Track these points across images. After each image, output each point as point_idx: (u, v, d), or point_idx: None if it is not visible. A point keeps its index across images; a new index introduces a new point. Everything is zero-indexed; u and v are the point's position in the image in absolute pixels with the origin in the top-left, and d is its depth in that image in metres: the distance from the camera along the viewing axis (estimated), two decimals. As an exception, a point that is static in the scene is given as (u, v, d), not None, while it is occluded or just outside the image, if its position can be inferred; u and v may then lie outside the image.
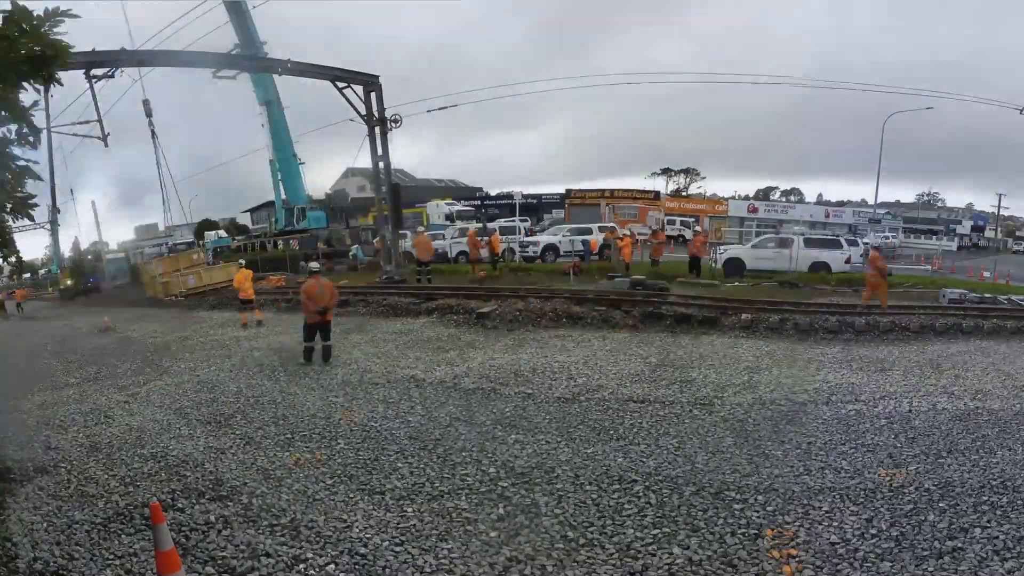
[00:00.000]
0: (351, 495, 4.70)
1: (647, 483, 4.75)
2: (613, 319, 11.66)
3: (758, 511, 4.26)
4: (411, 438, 5.90)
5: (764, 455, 5.27)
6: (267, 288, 20.08)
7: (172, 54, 16.84)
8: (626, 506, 4.40)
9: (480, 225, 27.35)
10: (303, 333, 9.48)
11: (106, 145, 18.00)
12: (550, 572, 3.63)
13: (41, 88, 4.16)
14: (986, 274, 21.08)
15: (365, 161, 20.71)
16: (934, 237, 45.90)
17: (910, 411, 6.37)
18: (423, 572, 3.65)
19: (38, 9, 3.67)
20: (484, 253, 21.04)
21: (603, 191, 51.00)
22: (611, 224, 28.59)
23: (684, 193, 72.64)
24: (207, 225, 48.53)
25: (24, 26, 3.62)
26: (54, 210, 31.24)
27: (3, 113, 4.02)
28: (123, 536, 4.17)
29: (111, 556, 3.92)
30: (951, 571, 3.49)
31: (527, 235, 26.87)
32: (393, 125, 19.64)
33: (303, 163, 33.66)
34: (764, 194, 77.79)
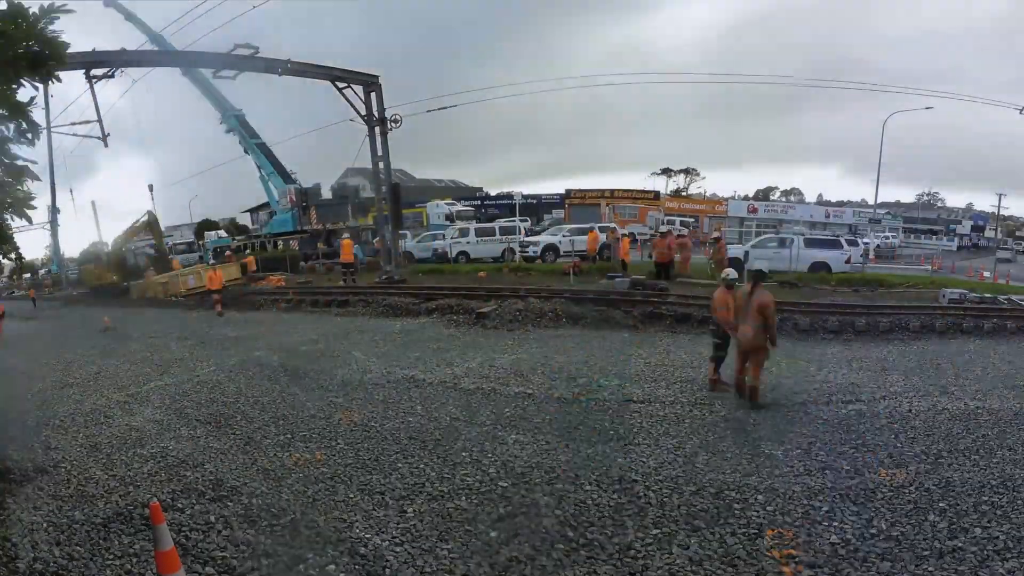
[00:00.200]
0: (351, 495, 4.70)
1: (647, 483, 4.75)
2: (613, 319, 11.66)
3: (758, 511, 4.26)
4: (411, 438, 5.90)
5: (764, 455, 5.27)
6: (267, 288, 20.11)
7: (172, 54, 16.86)
8: (626, 506, 4.40)
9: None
10: None
11: (106, 145, 18.04)
12: (550, 572, 3.63)
13: (39, 86, 4.15)
14: (986, 274, 21.10)
15: (365, 161, 20.73)
16: (934, 237, 45.94)
17: (910, 411, 6.37)
18: (423, 572, 3.65)
19: (34, 7, 3.67)
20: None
21: (603, 191, 51.03)
22: (611, 224, 28.58)
23: (684, 193, 72.69)
24: (207, 225, 48.58)
25: (20, 22, 3.61)
26: (54, 210, 31.26)
27: (2, 111, 4.01)
28: (123, 536, 4.17)
29: (111, 556, 3.92)
30: (951, 571, 3.49)
31: (527, 235, 26.86)
32: (393, 125, 19.65)
33: (294, 173, 33.04)
34: (764, 194, 77.83)
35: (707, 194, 71.97)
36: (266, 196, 34.88)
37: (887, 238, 38.01)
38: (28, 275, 40.74)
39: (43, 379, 9.38)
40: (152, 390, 8.30)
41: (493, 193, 57.28)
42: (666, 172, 79.65)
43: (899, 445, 5.43)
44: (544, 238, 25.38)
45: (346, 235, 20.08)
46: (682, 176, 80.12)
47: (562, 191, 52.02)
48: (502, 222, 28.77)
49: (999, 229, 51.88)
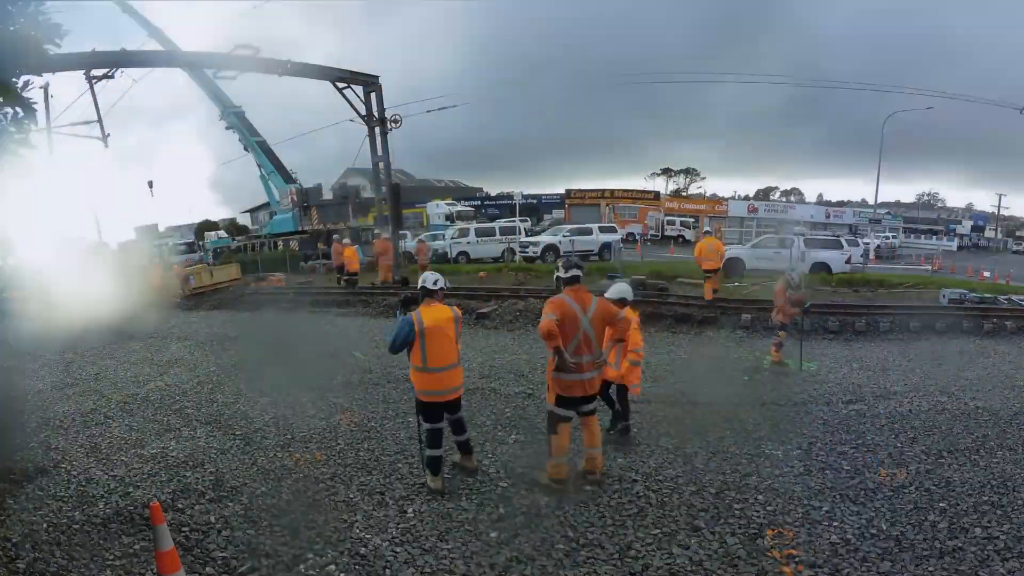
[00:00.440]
0: (351, 495, 4.70)
1: (647, 483, 4.75)
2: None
3: (758, 511, 4.26)
4: (411, 438, 5.90)
5: (764, 455, 5.27)
6: (267, 288, 20.08)
7: (172, 55, 16.84)
8: (626, 506, 4.40)
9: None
10: None
11: (106, 145, 18.04)
12: (550, 572, 3.63)
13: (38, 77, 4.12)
14: (986, 274, 21.09)
15: (365, 161, 20.71)
16: (934, 237, 45.94)
17: (910, 411, 6.37)
18: (423, 572, 3.65)
19: None
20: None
21: (603, 191, 51.02)
22: (611, 224, 28.60)
23: (684, 193, 72.67)
24: (207, 226, 48.51)
25: (10, 8, 3.60)
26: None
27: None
28: (123, 536, 4.17)
29: (111, 556, 3.92)
30: (951, 571, 3.49)
31: (527, 235, 26.86)
32: (393, 125, 19.64)
33: (294, 173, 32.71)
34: (764, 194, 77.78)
35: (707, 194, 72.02)
36: (266, 196, 34.62)
37: (887, 238, 37.99)
38: None
39: (43, 379, 9.38)
40: (152, 390, 8.30)
41: (493, 193, 57.28)
42: (666, 172, 79.72)
43: (899, 445, 5.43)
44: (544, 238, 25.40)
45: (346, 240, 19.74)
46: (682, 176, 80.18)
47: (562, 191, 52.02)
48: (502, 222, 28.77)
49: (999, 229, 51.88)
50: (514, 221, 27.39)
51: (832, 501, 4.38)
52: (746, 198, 66.04)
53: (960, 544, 3.76)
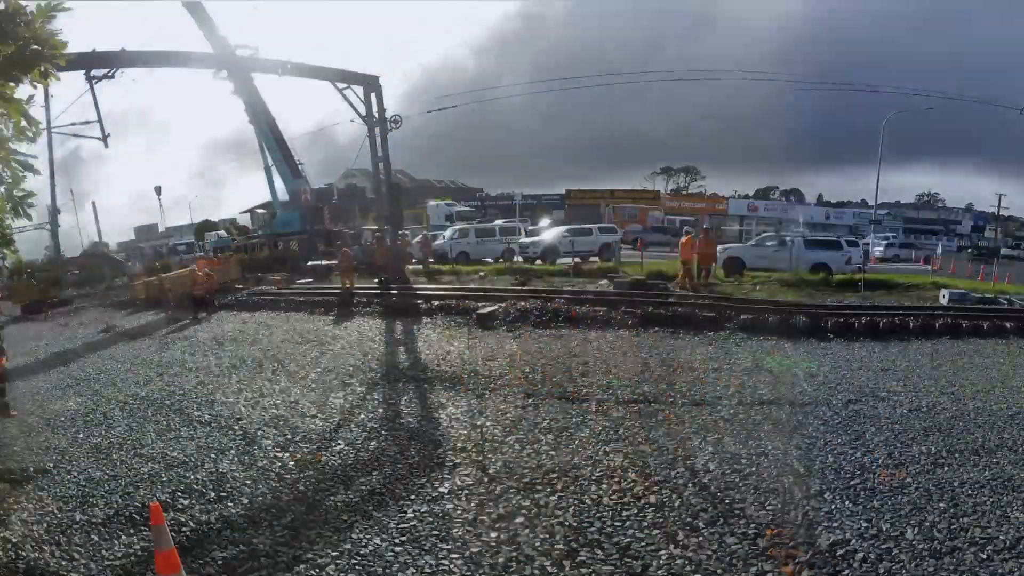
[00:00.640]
0: (351, 495, 4.70)
1: (647, 483, 4.75)
2: (613, 319, 11.65)
3: (758, 511, 4.26)
4: (411, 438, 5.90)
5: (764, 455, 5.27)
6: (268, 289, 20.07)
7: (173, 55, 16.83)
8: (626, 506, 4.40)
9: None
10: None
11: (106, 146, 18.03)
12: (550, 572, 3.63)
13: (38, 85, 4.13)
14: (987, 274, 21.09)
15: (364, 162, 20.69)
16: (934, 237, 45.95)
17: (910, 411, 6.37)
18: (423, 572, 3.65)
19: (31, 6, 3.66)
20: None
21: (603, 191, 51.05)
22: (611, 224, 28.61)
23: (684, 192, 72.67)
24: (207, 226, 48.45)
25: (18, 20, 3.61)
26: (54, 210, 31.26)
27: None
28: (123, 536, 4.18)
29: (111, 556, 3.92)
30: (951, 571, 3.49)
31: (527, 235, 26.85)
32: (393, 126, 19.64)
33: (302, 164, 31.62)
34: (764, 193, 77.73)
35: (707, 193, 71.96)
36: (268, 194, 33.11)
37: (887, 237, 37.96)
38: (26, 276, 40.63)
39: (42, 379, 9.39)
40: (152, 390, 8.30)
41: (493, 193, 57.33)
42: (666, 171, 79.69)
43: (899, 445, 5.43)
44: (545, 238, 25.36)
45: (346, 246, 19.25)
46: (682, 175, 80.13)
47: (562, 191, 52.07)
48: (502, 222, 28.72)
49: (999, 229, 51.89)
50: (514, 221, 27.37)
51: (832, 501, 4.38)
52: (746, 197, 66.09)
53: (960, 544, 3.76)
